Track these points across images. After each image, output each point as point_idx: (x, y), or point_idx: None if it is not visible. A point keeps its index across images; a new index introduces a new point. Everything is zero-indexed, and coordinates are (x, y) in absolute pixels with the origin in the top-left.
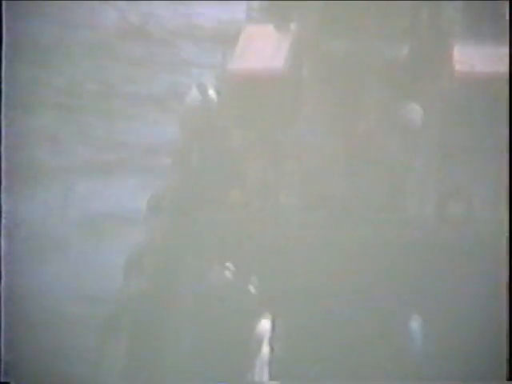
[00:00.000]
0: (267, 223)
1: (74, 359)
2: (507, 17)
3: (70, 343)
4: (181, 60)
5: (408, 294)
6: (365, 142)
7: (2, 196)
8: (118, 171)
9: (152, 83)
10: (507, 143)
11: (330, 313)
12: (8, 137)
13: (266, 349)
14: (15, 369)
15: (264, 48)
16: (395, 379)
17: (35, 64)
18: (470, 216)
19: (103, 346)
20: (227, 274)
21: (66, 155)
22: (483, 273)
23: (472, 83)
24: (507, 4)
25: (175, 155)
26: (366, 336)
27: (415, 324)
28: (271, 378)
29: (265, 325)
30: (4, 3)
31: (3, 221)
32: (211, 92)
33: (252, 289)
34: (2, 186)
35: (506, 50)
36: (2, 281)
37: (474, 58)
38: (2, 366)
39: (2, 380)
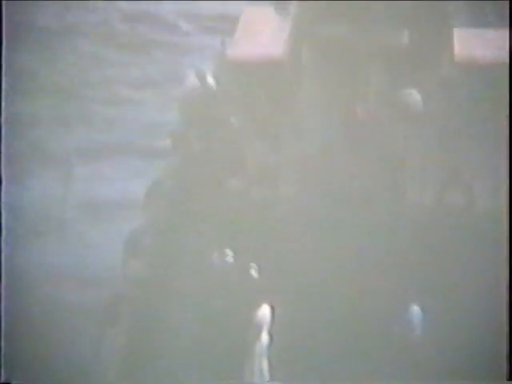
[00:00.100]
0: (266, 210)
1: (74, 347)
2: (508, 4)
3: (70, 328)
4: (181, 44)
5: (408, 285)
6: (364, 127)
7: (3, 180)
8: (118, 155)
9: (153, 67)
10: (507, 130)
11: (330, 301)
12: (7, 121)
13: (265, 337)
14: (14, 356)
15: (263, 33)
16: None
17: (35, 48)
18: (470, 202)
19: (103, 332)
20: (226, 260)
21: (66, 139)
22: (484, 269)
23: (472, 69)
24: None
25: (175, 141)
26: (364, 327)
27: (416, 318)
28: (271, 365)
29: (264, 313)
30: None
31: (3, 206)
32: (210, 78)
33: (251, 276)
34: (3, 171)
35: (507, 36)
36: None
37: (474, 44)
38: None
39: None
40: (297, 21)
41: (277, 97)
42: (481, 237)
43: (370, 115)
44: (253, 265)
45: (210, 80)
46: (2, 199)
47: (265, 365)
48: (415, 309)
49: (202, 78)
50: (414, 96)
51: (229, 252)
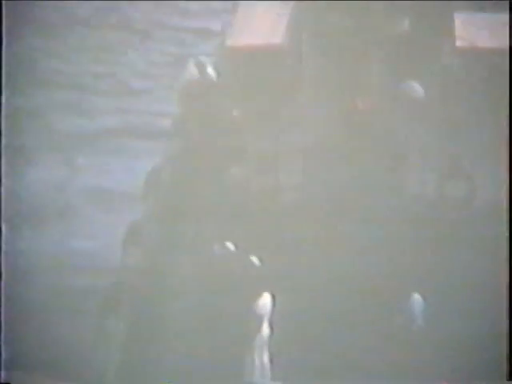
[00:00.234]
0: (267, 199)
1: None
2: None
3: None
4: (182, 33)
5: (409, 276)
6: (365, 117)
7: (3, 169)
8: (120, 143)
9: (153, 56)
10: (507, 119)
11: (331, 291)
12: (8, 111)
13: (266, 329)
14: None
15: (263, 22)
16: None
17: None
18: (470, 193)
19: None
20: (226, 250)
21: (67, 128)
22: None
23: (473, 57)
24: None
25: (175, 131)
26: (365, 317)
27: (417, 308)
28: (271, 358)
29: (265, 302)
30: None
31: (3, 195)
32: (209, 68)
33: (252, 264)
34: (3, 160)
35: (507, 24)
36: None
37: (475, 31)
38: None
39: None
40: (297, 10)
41: (277, 86)
42: (481, 228)
43: (370, 105)
44: (253, 255)
45: (210, 69)
46: (3, 189)
47: (266, 357)
48: (417, 298)
49: (201, 67)
50: (416, 88)
51: (230, 245)
